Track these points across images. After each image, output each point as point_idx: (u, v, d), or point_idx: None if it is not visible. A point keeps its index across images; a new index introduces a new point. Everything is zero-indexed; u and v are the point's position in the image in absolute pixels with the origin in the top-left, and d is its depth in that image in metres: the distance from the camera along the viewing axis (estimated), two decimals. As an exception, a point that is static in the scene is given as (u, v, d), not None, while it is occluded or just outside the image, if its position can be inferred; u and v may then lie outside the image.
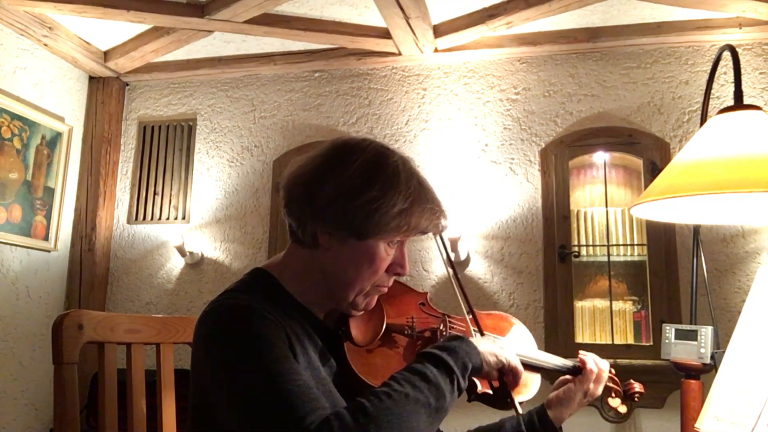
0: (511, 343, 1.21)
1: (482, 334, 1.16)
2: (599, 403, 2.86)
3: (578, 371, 1.28)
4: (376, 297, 1.10)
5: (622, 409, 1.39)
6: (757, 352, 1.23)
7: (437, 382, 0.93)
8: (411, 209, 1.02)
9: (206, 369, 0.98)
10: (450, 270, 1.19)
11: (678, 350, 1.48)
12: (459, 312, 1.22)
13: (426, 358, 0.97)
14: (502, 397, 1.06)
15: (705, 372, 1.45)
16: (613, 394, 1.37)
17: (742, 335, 1.28)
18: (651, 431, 2.81)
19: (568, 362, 1.29)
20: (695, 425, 1.23)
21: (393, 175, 1.02)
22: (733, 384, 1.22)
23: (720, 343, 1.47)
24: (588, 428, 2.87)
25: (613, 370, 1.35)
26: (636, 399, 1.39)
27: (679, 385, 1.49)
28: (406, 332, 1.13)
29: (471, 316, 1.17)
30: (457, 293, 1.17)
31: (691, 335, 1.47)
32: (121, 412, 1.21)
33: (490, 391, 1.08)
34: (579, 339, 2.97)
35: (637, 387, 1.39)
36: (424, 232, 1.08)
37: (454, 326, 1.20)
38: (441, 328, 1.17)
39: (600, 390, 1.29)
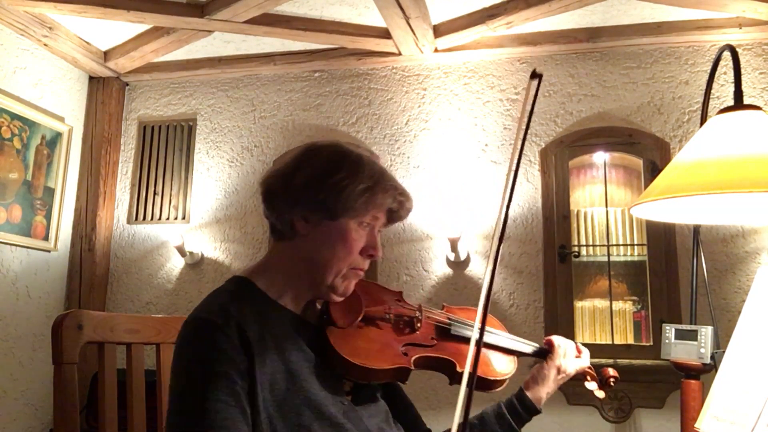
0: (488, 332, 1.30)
1: (459, 322, 1.25)
2: (598, 403, 2.86)
3: (548, 352, 1.38)
4: (353, 281, 1.18)
5: (600, 394, 1.45)
6: (757, 352, 1.23)
7: None
8: (375, 188, 1.13)
9: (172, 370, 1.08)
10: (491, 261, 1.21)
11: (678, 350, 1.48)
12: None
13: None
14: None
15: (705, 372, 1.45)
16: (588, 378, 1.44)
17: (742, 335, 1.28)
18: (651, 431, 2.81)
19: (537, 345, 1.40)
20: (695, 425, 1.24)
21: (357, 160, 1.16)
22: (733, 384, 1.22)
23: (720, 343, 1.47)
24: (588, 428, 2.87)
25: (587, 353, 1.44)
26: (612, 384, 1.44)
27: (679, 385, 1.49)
28: (385, 317, 1.22)
29: (445, 308, 1.29)
30: (486, 277, 1.18)
31: (691, 335, 1.47)
32: (121, 412, 1.21)
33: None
34: (579, 339, 2.96)
35: (612, 371, 1.45)
36: (392, 214, 1.20)
37: (430, 316, 1.28)
38: (417, 315, 1.25)
39: (571, 366, 1.38)
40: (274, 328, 1.10)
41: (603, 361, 2.85)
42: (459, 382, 1.14)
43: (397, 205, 1.19)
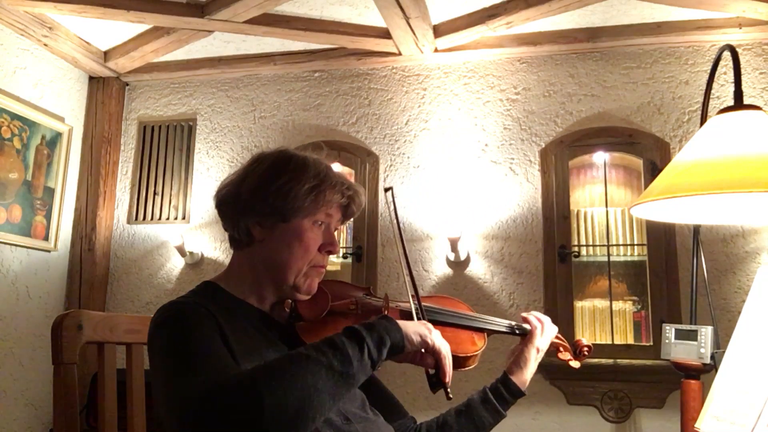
0: (448, 312, 1.33)
1: (421, 312, 1.25)
2: (598, 403, 2.86)
3: (525, 331, 1.40)
4: (316, 279, 1.22)
5: (575, 364, 1.49)
6: (757, 352, 1.23)
7: (344, 348, 0.98)
8: (321, 186, 1.17)
9: (151, 364, 1.07)
10: (398, 228, 1.31)
11: (678, 350, 1.48)
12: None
13: (344, 329, 1.04)
14: (438, 382, 1.13)
15: (705, 372, 1.45)
16: (561, 349, 1.48)
17: (742, 335, 1.28)
18: (651, 431, 2.81)
19: (513, 323, 1.42)
20: (695, 425, 1.23)
21: (300, 163, 1.19)
22: (733, 384, 1.22)
23: (720, 343, 1.47)
24: (588, 428, 2.87)
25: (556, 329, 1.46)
26: (586, 353, 1.49)
27: (679, 385, 1.49)
28: (351, 308, 1.25)
29: (413, 292, 1.28)
30: (404, 272, 1.30)
31: (691, 335, 1.47)
32: (121, 412, 1.21)
33: (430, 375, 1.15)
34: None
35: (585, 341, 1.49)
36: (345, 209, 1.23)
37: (397, 305, 1.30)
38: (383, 305, 1.28)
39: (546, 343, 1.42)
40: (243, 323, 1.13)
41: (603, 361, 2.86)
42: (432, 387, 1.17)
43: (347, 200, 1.22)
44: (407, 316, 1.27)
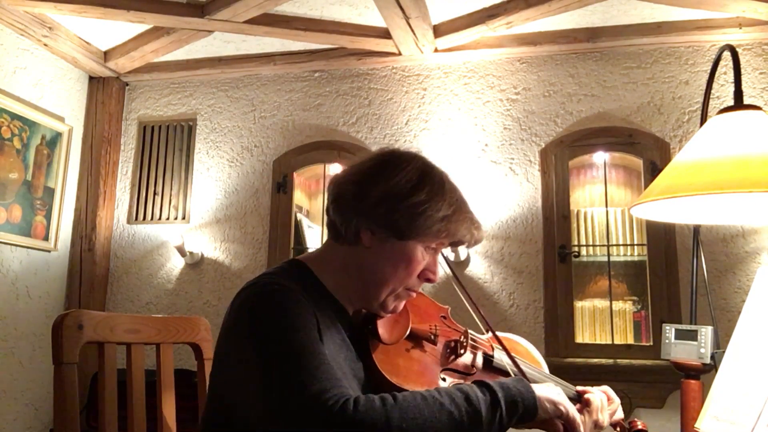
0: (525, 365, 1.23)
1: (508, 354, 1.17)
2: None
3: (579, 399, 1.25)
4: (404, 301, 1.15)
5: None
6: (757, 352, 1.23)
7: (478, 406, 0.93)
8: (453, 216, 1.10)
9: (234, 343, 1.02)
10: (464, 291, 1.23)
11: (678, 350, 1.48)
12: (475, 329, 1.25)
13: (477, 384, 0.98)
14: None
15: (705, 372, 1.45)
16: (618, 429, 1.35)
17: (742, 335, 1.28)
18: (651, 431, 2.81)
19: (572, 389, 1.28)
20: (695, 425, 1.23)
21: (439, 183, 1.12)
22: (733, 384, 1.22)
23: (720, 343, 1.47)
24: (588, 428, 2.87)
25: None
26: None
27: (679, 385, 1.48)
28: (430, 338, 1.16)
29: (492, 336, 1.20)
30: (474, 314, 1.20)
31: (691, 335, 1.47)
32: (121, 412, 1.21)
33: None
34: (579, 339, 2.97)
35: (641, 425, 1.35)
36: (459, 242, 1.16)
37: (476, 341, 1.22)
38: (463, 341, 1.19)
39: (608, 418, 1.26)
40: (329, 322, 1.08)
41: (603, 361, 2.86)
42: None
43: (469, 237, 1.15)
44: (485, 360, 1.21)
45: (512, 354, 1.20)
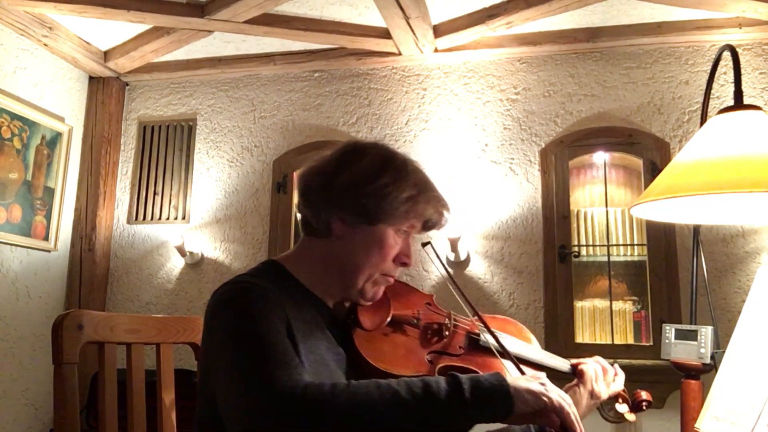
0: (515, 343, 1.23)
1: (491, 333, 1.16)
2: (600, 404, 2.86)
3: (574, 372, 1.29)
4: (383, 287, 1.17)
5: (631, 417, 1.38)
6: (757, 352, 1.23)
7: (438, 395, 0.91)
8: (418, 197, 1.12)
9: (209, 341, 1.04)
10: (448, 275, 1.24)
11: (678, 350, 1.48)
12: (464, 314, 1.25)
13: (448, 375, 0.96)
14: None
15: (705, 372, 1.45)
16: (620, 400, 1.37)
17: (742, 335, 1.28)
18: (651, 431, 2.81)
19: (567, 363, 1.31)
20: (695, 425, 1.23)
21: (402, 166, 1.13)
22: (733, 384, 1.22)
23: (720, 343, 1.47)
24: (588, 428, 2.87)
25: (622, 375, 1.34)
26: (644, 408, 1.38)
27: (679, 385, 1.49)
28: (413, 322, 1.18)
29: (477, 317, 1.20)
30: (459, 298, 1.21)
31: (691, 335, 1.47)
32: (121, 412, 1.21)
33: None
34: (579, 339, 2.97)
35: (645, 395, 1.38)
36: (428, 223, 1.17)
37: (460, 324, 1.22)
38: (446, 323, 1.20)
39: (605, 390, 1.29)
40: (308, 316, 1.09)
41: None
42: None
43: (437, 216, 1.17)
44: (471, 340, 1.20)
45: (499, 332, 1.20)
